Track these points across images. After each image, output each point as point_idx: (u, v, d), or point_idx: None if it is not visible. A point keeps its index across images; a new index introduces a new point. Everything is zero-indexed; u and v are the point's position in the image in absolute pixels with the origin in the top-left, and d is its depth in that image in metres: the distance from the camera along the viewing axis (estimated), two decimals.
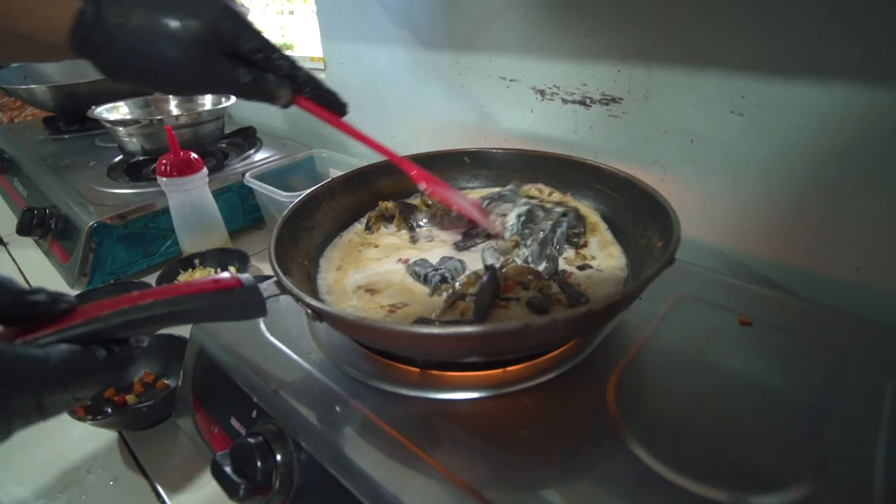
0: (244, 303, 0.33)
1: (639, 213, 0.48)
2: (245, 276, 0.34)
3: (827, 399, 0.37)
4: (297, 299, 0.35)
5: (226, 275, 0.33)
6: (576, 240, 0.50)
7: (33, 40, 0.36)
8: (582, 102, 0.63)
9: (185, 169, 0.71)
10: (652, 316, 0.45)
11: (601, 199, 0.54)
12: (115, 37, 0.36)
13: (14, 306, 0.25)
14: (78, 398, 0.25)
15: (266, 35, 0.40)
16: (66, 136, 1.11)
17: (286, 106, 0.42)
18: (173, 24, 0.36)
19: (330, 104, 0.45)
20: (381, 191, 0.59)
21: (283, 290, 0.36)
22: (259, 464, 0.36)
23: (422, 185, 0.51)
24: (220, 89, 0.40)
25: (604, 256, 0.49)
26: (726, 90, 0.51)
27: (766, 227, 0.54)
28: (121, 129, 0.85)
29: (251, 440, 0.37)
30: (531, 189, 0.57)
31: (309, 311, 0.35)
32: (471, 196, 0.57)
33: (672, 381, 0.39)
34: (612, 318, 0.43)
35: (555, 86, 0.65)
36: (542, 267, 0.47)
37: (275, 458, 0.37)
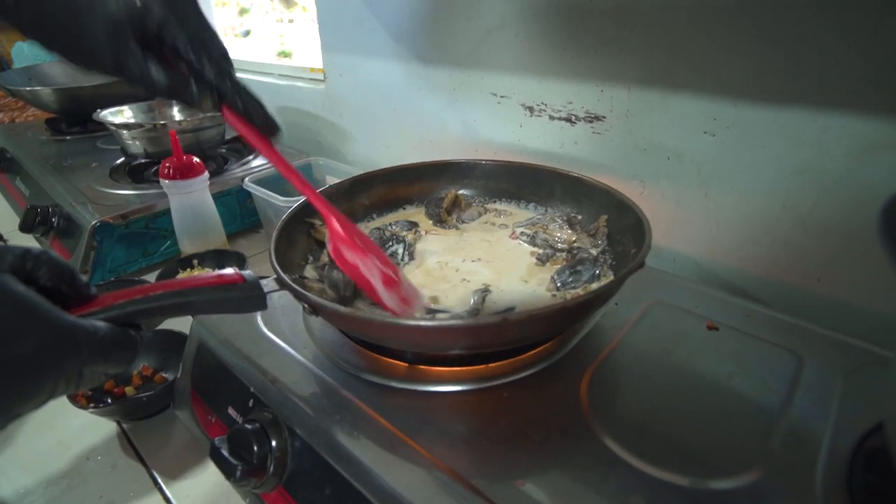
0: (246, 297, 0.36)
1: (617, 222, 0.52)
2: (247, 273, 0.37)
3: (781, 398, 0.40)
4: (296, 294, 0.38)
5: (230, 271, 0.36)
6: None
7: None
8: (568, 119, 0.67)
9: (187, 172, 0.74)
10: (626, 320, 0.48)
11: (582, 208, 0.58)
12: None
13: (63, 286, 0.28)
14: (108, 374, 0.27)
15: (200, 29, 0.35)
16: (69, 138, 1.14)
17: (209, 112, 0.39)
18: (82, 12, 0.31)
19: (260, 122, 0.38)
20: (375, 199, 0.62)
21: (283, 285, 0.39)
22: (255, 448, 0.39)
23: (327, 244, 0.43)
24: (134, 80, 0.34)
25: None
26: (699, 112, 0.55)
27: (736, 239, 0.58)
28: (125, 132, 0.88)
29: (248, 426, 0.40)
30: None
31: (306, 305, 0.38)
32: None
33: (641, 379, 0.43)
34: (586, 316, 0.46)
35: (543, 103, 0.69)
36: None
37: (270, 443, 0.40)
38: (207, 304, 0.35)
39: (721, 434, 0.37)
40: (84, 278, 0.30)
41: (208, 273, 0.36)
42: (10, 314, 0.23)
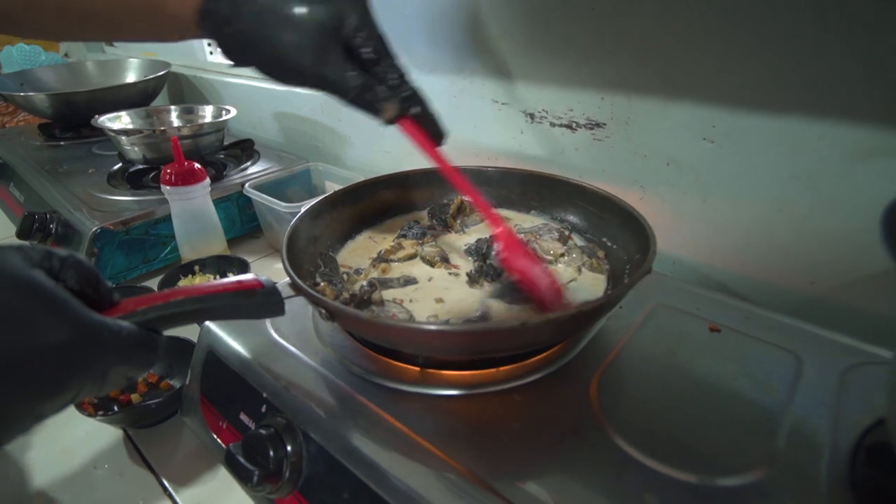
0: (264, 302, 0.37)
1: (617, 228, 0.53)
2: (265, 279, 0.37)
3: (783, 398, 0.41)
4: (312, 299, 0.39)
5: (248, 276, 0.37)
6: None
7: (162, 10, 0.38)
8: (568, 126, 0.68)
9: (188, 178, 0.74)
10: (631, 323, 0.50)
11: (583, 215, 0.59)
12: (240, 12, 0.36)
13: (88, 289, 0.28)
14: (129, 377, 0.28)
15: (384, 37, 0.38)
16: (63, 143, 1.13)
17: (388, 123, 0.40)
18: (299, 6, 0.35)
19: (431, 130, 0.42)
20: (378, 205, 0.63)
21: (299, 291, 0.39)
22: (271, 453, 0.39)
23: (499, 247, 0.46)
24: (326, 86, 0.38)
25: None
26: (698, 119, 0.57)
27: (734, 244, 0.59)
28: (124, 138, 0.88)
29: (263, 431, 0.40)
30: None
31: (323, 311, 0.38)
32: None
33: (648, 380, 0.44)
34: (598, 319, 0.47)
35: (543, 110, 0.70)
36: None
37: (285, 448, 0.40)
38: (227, 310, 0.36)
39: (727, 433, 0.38)
40: (109, 283, 0.30)
41: (227, 279, 0.36)
42: (41, 307, 0.23)
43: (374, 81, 0.38)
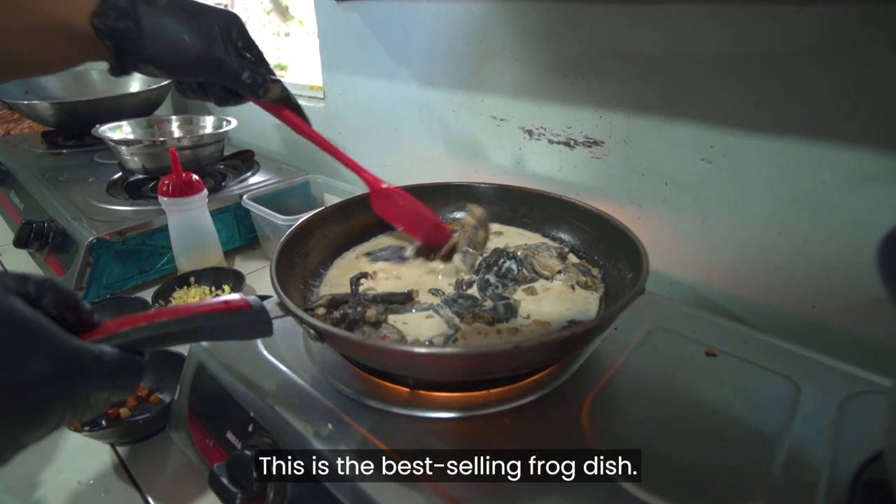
0: (252, 322, 0.36)
1: (611, 247, 0.53)
2: (253, 298, 0.37)
3: (780, 426, 0.40)
4: (300, 320, 0.38)
5: (235, 296, 0.36)
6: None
7: (52, 19, 0.40)
8: (567, 143, 0.68)
9: (186, 190, 0.74)
10: (625, 345, 0.49)
11: (575, 233, 0.58)
12: (139, 14, 0.40)
13: (67, 313, 0.27)
14: (111, 401, 0.27)
15: (259, 47, 0.47)
16: (65, 151, 1.13)
17: (274, 101, 0.47)
18: (195, 17, 0.42)
19: (303, 117, 0.51)
20: (371, 221, 0.62)
21: (287, 311, 0.39)
22: (255, 475, 0.38)
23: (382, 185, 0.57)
24: (224, 71, 0.44)
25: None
26: (697, 139, 0.56)
27: (732, 265, 0.59)
28: (123, 147, 0.88)
29: (248, 452, 0.39)
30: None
31: (312, 331, 0.38)
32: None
33: (641, 405, 0.43)
34: (590, 341, 0.47)
35: (542, 127, 0.70)
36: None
37: (270, 470, 0.39)
38: (213, 331, 0.35)
39: (723, 462, 0.37)
40: (88, 306, 0.30)
41: (214, 299, 0.35)
42: (20, 337, 0.23)
43: (258, 67, 0.46)
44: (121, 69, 0.43)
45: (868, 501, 0.33)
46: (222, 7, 0.47)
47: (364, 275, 0.54)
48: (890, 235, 0.29)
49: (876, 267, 0.26)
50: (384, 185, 0.58)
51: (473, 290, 0.52)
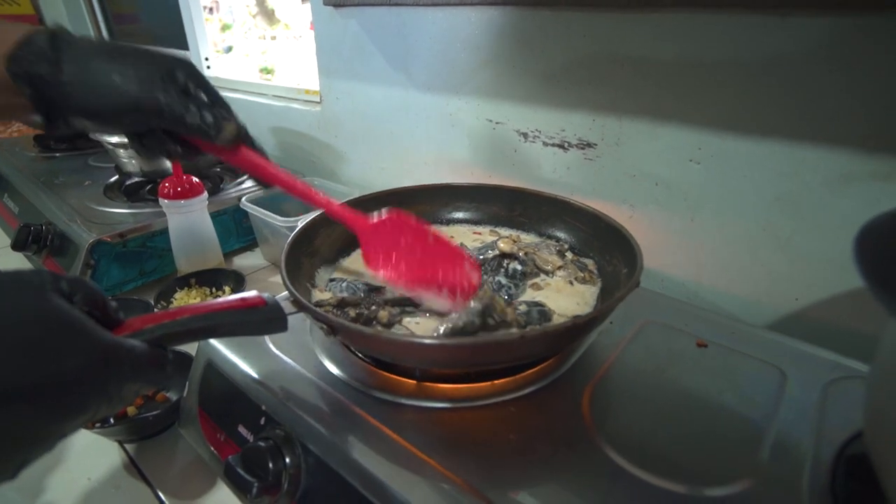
0: (268, 319, 0.38)
1: (605, 244, 0.55)
2: (268, 296, 0.38)
3: (767, 411, 0.43)
4: (314, 315, 0.40)
5: (252, 294, 0.38)
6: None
7: None
8: (560, 146, 0.70)
9: (186, 192, 0.75)
10: (621, 338, 0.51)
11: (571, 231, 0.61)
12: (61, 57, 0.35)
13: (95, 311, 0.29)
14: (140, 393, 0.29)
15: (213, 87, 0.41)
16: (58, 155, 1.13)
17: (228, 143, 0.40)
18: (129, 57, 0.36)
19: (261, 151, 0.44)
20: None
21: (301, 307, 0.40)
22: (270, 465, 0.40)
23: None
24: (163, 116, 0.37)
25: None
26: (685, 141, 0.59)
27: (721, 262, 0.61)
28: (122, 150, 0.89)
29: (262, 444, 0.41)
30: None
31: (325, 326, 0.39)
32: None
33: (639, 394, 0.45)
34: (590, 332, 0.49)
35: (536, 130, 0.72)
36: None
37: (284, 460, 0.41)
38: (231, 327, 0.36)
39: (715, 445, 0.40)
40: (114, 303, 0.31)
41: (231, 296, 0.37)
42: (62, 332, 0.24)
43: (217, 108, 0.39)
44: (48, 122, 0.37)
45: (849, 475, 0.35)
46: (171, 51, 0.38)
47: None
48: (866, 227, 0.31)
49: (853, 257, 0.29)
50: (376, 219, 0.50)
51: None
